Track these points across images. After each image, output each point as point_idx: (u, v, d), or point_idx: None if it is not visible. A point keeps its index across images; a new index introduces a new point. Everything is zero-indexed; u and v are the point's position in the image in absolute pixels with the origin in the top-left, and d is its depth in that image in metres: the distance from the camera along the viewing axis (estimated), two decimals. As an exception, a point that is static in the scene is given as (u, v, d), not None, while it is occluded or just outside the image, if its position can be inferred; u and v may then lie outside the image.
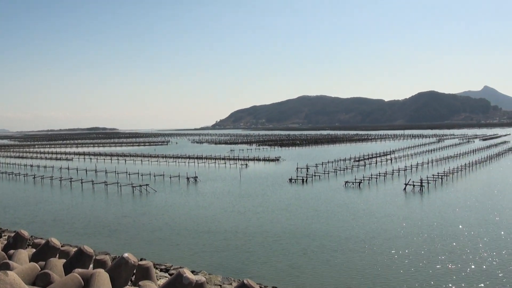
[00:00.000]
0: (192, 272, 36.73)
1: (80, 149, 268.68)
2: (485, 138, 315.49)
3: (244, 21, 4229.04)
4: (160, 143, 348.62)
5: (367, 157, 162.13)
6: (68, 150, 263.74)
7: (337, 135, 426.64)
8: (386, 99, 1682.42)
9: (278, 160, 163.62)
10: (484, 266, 40.51)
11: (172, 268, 36.78)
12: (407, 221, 59.40)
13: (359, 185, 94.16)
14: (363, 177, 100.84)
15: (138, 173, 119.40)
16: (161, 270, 36.02)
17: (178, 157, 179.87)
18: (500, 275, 38.38)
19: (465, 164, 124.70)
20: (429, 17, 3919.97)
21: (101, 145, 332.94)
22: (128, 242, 52.10)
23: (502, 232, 52.67)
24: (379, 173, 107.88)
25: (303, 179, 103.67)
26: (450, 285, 36.39)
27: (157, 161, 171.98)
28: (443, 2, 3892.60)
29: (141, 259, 37.59)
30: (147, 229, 58.60)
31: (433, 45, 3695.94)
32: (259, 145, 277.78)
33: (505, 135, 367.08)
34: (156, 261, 39.22)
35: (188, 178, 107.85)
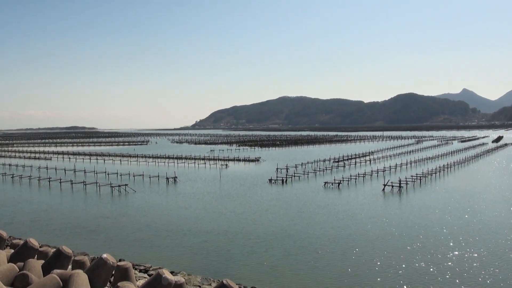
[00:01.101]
0: (171, 272, 36.66)
1: (59, 148, 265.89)
2: (463, 140, 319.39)
3: (224, 22, 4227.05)
4: (139, 143, 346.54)
5: (347, 158, 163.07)
6: (47, 149, 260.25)
7: (317, 136, 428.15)
8: (366, 101, 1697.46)
9: (258, 160, 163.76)
10: (465, 267, 41.02)
11: (151, 268, 36.67)
12: (386, 222, 59.90)
13: (339, 185, 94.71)
14: (343, 177, 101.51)
15: (117, 173, 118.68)
16: (140, 271, 35.90)
17: (158, 157, 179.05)
18: (480, 276, 38.91)
19: (444, 165, 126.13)
20: (409, 20, 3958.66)
21: (80, 144, 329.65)
22: (107, 242, 51.79)
23: (481, 233, 53.40)
24: (358, 174, 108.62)
25: (283, 180, 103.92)
26: (431, 287, 36.82)
27: (137, 161, 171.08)
28: (422, 6, 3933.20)
29: (120, 260, 37.39)
30: (126, 229, 58.27)
31: (412, 48, 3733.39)
32: (239, 146, 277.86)
33: (483, 137, 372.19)
34: (135, 261, 39.09)
35: (167, 178, 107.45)
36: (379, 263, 42.40)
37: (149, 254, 46.23)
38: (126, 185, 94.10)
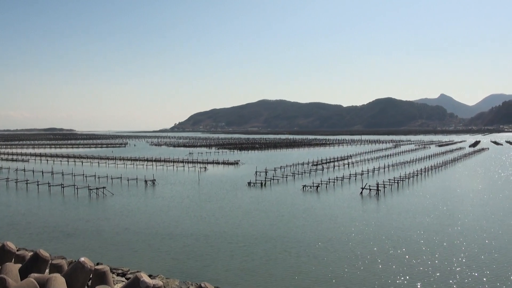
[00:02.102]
0: (149, 276, 36.45)
1: (37, 150, 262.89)
2: (441, 144, 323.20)
3: (204, 25, 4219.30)
4: (117, 145, 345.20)
5: (325, 161, 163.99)
6: (24, 151, 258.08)
7: (296, 139, 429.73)
8: (345, 105, 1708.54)
9: (237, 163, 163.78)
10: (443, 270, 41.51)
11: (129, 272, 36.42)
12: (365, 226, 60.34)
13: (317, 189, 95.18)
14: (321, 181, 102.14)
15: (95, 175, 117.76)
16: (118, 275, 35.64)
17: (136, 160, 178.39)
18: (457, 279, 39.44)
19: (421, 169, 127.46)
20: (387, 25, 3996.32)
21: (58, 146, 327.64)
22: (85, 246, 51.36)
23: (459, 236, 54.03)
24: (337, 177, 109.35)
25: (261, 183, 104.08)
26: (404, 288, 37.27)
27: (115, 163, 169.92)
28: (400, 12, 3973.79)
29: (97, 264, 37.18)
30: (104, 233, 57.85)
31: (391, 53, 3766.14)
32: (218, 148, 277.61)
33: (461, 142, 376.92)
34: (113, 265, 38.77)
35: (146, 181, 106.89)
36: (362, 267, 42.63)
37: (127, 258, 45.96)
38: (104, 187, 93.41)
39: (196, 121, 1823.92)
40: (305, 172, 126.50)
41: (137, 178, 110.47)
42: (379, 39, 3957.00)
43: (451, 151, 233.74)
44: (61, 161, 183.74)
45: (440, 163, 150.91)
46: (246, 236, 54.68)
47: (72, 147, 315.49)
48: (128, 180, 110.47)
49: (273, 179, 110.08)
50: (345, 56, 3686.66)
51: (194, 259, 45.41)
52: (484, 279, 39.19)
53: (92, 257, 40.48)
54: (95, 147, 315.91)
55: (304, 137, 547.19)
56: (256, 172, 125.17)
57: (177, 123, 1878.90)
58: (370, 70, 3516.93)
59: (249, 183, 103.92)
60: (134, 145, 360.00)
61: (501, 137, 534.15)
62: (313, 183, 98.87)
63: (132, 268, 38.74)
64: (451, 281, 38.62)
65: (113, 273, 35.72)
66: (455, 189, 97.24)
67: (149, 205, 79.09)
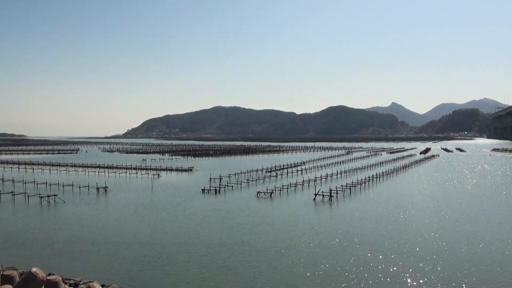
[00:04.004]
0: (102, 286, 36.03)
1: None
2: (392, 151, 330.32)
3: (158, 29, 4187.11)
4: (69, 152, 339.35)
5: (279, 168, 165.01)
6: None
7: (250, 146, 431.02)
8: (298, 112, 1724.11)
9: (191, 170, 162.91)
10: (396, 274, 42.27)
11: (81, 282, 35.72)
12: (319, 230, 60.91)
13: (271, 195, 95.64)
14: (275, 187, 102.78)
15: (46, 182, 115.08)
16: (70, 285, 34.94)
17: (88, 166, 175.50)
18: (409, 279, 40.28)
19: (373, 175, 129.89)
20: (339, 35, 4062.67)
21: (9, 152, 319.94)
22: (37, 256, 49.98)
23: (410, 240, 55.14)
24: (290, 184, 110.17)
25: (216, 190, 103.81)
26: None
27: (66, 170, 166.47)
28: (353, 21, 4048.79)
29: (49, 274, 36.31)
30: (56, 242, 56.49)
31: (343, 62, 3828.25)
32: (172, 155, 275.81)
33: (412, 149, 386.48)
34: (65, 275, 37.99)
35: (98, 189, 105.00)
36: (321, 272, 42.96)
37: (80, 268, 45.03)
38: (55, 195, 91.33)
39: (150, 127, 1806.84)
40: (259, 179, 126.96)
41: (89, 186, 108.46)
42: (332, 49, 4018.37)
43: (402, 157, 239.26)
44: (11, 167, 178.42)
45: (391, 170, 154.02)
46: (203, 245, 54.28)
47: (23, 153, 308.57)
48: (79, 187, 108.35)
49: (227, 186, 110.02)
50: (298, 64, 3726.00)
51: (149, 269, 44.81)
52: (437, 279, 40.17)
53: (44, 268, 39.65)
54: (46, 154, 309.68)
55: (258, 143, 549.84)
56: (210, 179, 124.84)
57: (130, 129, 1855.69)
58: (323, 78, 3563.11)
59: (203, 190, 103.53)
60: (86, 151, 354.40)
61: (452, 144, 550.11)
62: (267, 189, 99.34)
63: (85, 278, 38.08)
64: (405, 281, 39.44)
65: (66, 283, 35.03)
66: (406, 194, 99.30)
67: (102, 213, 77.65)
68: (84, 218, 72.54)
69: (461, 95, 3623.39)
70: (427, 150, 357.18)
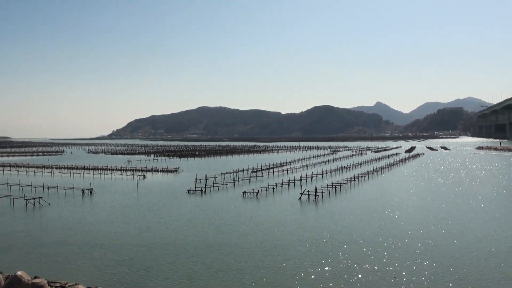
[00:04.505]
0: (88, 288, 35.92)
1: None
2: (377, 150, 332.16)
3: (143, 28, 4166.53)
4: (54, 153, 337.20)
5: (265, 168, 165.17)
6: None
7: (236, 146, 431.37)
8: (284, 112, 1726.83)
9: (176, 171, 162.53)
10: (383, 271, 42.58)
11: (67, 285, 35.57)
12: (305, 229, 61.10)
13: (257, 195, 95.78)
14: (261, 187, 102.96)
15: (31, 185, 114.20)
16: (56, 288, 34.81)
17: (73, 168, 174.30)
18: (394, 279, 40.63)
19: (358, 174, 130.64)
20: (324, 36, 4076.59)
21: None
22: (22, 259, 49.55)
23: (396, 238, 55.48)
24: (276, 184, 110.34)
25: (201, 190, 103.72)
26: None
27: (51, 172, 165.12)
28: (337, 22, 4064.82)
29: (35, 277, 36.25)
30: (41, 245, 56.09)
31: (328, 62, 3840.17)
32: (157, 156, 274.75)
33: (396, 148, 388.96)
34: (51, 278, 37.79)
35: (83, 190, 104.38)
36: (309, 271, 43.14)
37: (65, 270, 44.76)
38: (40, 197, 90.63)
39: (135, 128, 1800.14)
40: (245, 179, 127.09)
41: (74, 187, 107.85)
42: (317, 49, 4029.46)
43: (387, 156, 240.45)
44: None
45: (376, 169, 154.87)
46: (190, 246, 54.19)
47: (8, 156, 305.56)
48: (65, 189, 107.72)
49: (213, 186, 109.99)
50: (283, 64, 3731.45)
51: (135, 271, 44.64)
52: (426, 277, 40.55)
53: (29, 271, 39.48)
54: (31, 155, 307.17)
55: (244, 144, 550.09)
56: (196, 179, 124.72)
57: (115, 130, 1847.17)
58: (308, 78, 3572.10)
59: (188, 191, 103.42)
60: (71, 153, 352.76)
61: (436, 143, 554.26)
62: (253, 189, 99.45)
63: (70, 281, 37.90)
64: (393, 278, 39.79)
65: (51, 286, 34.89)
66: (391, 193, 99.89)
67: (87, 215, 77.19)
68: (69, 220, 72.13)
69: (446, 94, 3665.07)
70: (412, 148, 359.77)
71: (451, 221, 67.29)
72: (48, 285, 34.91)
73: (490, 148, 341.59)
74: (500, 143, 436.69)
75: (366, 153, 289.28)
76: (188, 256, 49.60)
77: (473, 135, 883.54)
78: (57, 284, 35.89)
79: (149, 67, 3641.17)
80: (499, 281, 40.49)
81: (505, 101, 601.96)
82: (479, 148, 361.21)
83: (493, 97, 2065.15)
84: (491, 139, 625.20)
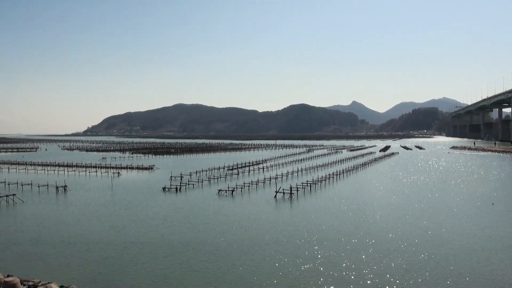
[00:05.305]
0: (61, 287, 35.83)
1: None
2: (352, 149, 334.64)
3: (120, 24, 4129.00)
4: (28, 150, 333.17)
5: (241, 165, 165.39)
6: None
7: (212, 144, 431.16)
8: (260, 110, 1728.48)
9: (152, 168, 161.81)
10: (357, 269, 43.06)
11: (40, 284, 35.39)
12: (280, 228, 61.29)
13: (232, 193, 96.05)
14: (236, 185, 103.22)
15: (4, 182, 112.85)
16: (29, 287, 34.63)
17: (47, 165, 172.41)
18: (368, 276, 41.09)
19: (333, 172, 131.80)
20: (300, 36, 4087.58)
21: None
22: (-7, 257, 49.09)
23: (369, 236, 56.08)
24: (252, 181, 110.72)
25: (176, 188, 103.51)
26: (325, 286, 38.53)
27: (25, 168, 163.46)
28: (313, 23, 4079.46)
29: (8, 276, 36.04)
30: (15, 243, 55.43)
31: (305, 61, 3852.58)
32: (132, 153, 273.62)
33: (372, 147, 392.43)
34: (24, 277, 37.54)
35: (57, 187, 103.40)
36: (288, 267, 43.33)
37: (39, 269, 44.35)
38: (14, 195, 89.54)
39: (110, 124, 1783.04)
40: (220, 177, 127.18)
41: (48, 184, 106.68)
42: (294, 48, 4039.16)
43: (362, 155, 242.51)
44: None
45: (351, 167, 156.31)
46: (166, 244, 54.03)
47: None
48: (39, 186, 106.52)
49: (189, 184, 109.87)
50: (261, 63, 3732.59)
51: (111, 270, 44.37)
52: (401, 275, 41.19)
53: (2, 270, 39.24)
54: (5, 152, 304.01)
55: (220, 141, 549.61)
56: (171, 177, 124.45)
57: (90, 126, 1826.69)
58: (285, 77, 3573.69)
59: (164, 188, 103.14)
60: (46, 149, 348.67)
61: (411, 142, 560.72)
62: (228, 187, 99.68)
63: (43, 279, 37.73)
64: (369, 277, 40.33)
65: (24, 285, 34.71)
66: (365, 191, 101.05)
67: (61, 213, 76.49)
68: (43, 218, 71.40)
69: (421, 94, 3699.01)
70: (387, 148, 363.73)
71: (426, 219, 68.23)
72: (21, 284, 34.71)
73: (464, 148, 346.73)
74: (474, 143, 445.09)
75: (342, 152, 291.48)
76: (164, 255, 49.50)
77: (448, 135, 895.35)
78: (30, 283, 35.69)
79: (125, 64, 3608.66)
80: (473, 278, 41.22)
81: (479, 102, 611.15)
82: (454, 147, 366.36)
83: (468, 98, 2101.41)
84: (465, 139, 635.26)
